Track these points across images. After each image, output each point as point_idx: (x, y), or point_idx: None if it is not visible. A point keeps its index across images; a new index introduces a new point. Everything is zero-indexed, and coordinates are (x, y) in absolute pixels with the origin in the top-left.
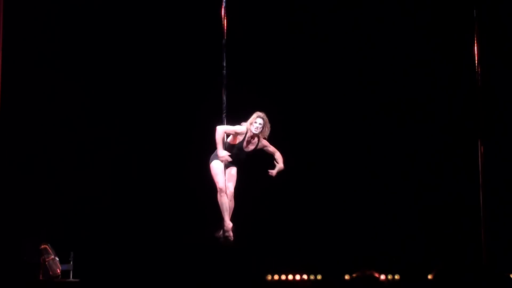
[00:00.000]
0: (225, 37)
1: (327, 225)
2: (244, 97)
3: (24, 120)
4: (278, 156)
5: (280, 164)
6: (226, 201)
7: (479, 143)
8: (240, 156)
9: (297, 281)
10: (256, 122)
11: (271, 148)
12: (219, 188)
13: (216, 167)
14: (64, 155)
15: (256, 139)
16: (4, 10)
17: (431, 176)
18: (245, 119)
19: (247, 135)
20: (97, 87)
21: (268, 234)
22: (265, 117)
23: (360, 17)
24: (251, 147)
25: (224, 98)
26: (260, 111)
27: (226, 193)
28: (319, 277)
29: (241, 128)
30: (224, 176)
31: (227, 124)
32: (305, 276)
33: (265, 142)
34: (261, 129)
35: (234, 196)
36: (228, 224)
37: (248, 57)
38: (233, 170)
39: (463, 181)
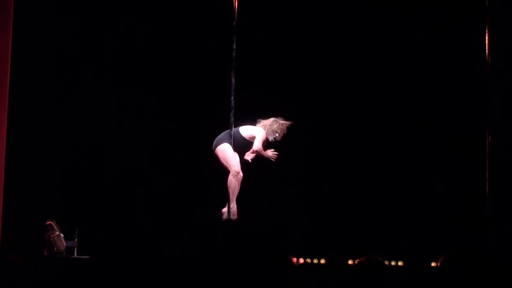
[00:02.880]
0: (236, 19)
1: (332, 210)
2: (253, 81)
3: (34, 102)
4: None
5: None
6: (237, 185)
7: (487, 133)
8: (244, 149)
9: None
10: (276, 132)
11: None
12: (236, 171)
13: (227, 150)
14: (72, 131)
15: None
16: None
17: (437, 164)
18: (253, 102)
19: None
20: (110, 65)
21: (272, 218)
22: (286, 127)
23: (374, 10)
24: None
25: (233, 80)
26: (270, 103)
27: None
28: (322, 261)
29: (263, 134)
30: (238, 159)
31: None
32: (308, 260)
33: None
34: (278, 138)
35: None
36: (234, 206)
37: (258, 40)
38: (236, 155)
39: (470, 171)
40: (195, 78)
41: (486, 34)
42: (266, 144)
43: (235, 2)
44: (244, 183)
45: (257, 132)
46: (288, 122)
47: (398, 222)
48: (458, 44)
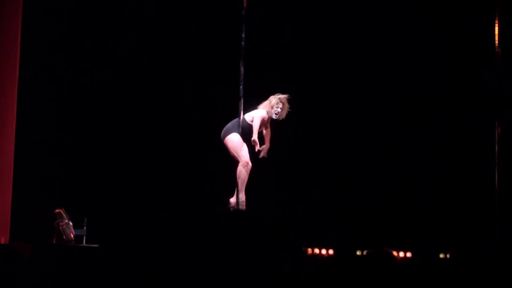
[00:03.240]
0: (245, 8)
1: (340, 200)
2: (262, 70)
3: (43, 94)
4: (267, 134)
5: (267, 144)
6: (246, 175)
7: (496, 124)
8: (249, 135)
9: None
10: (278, 107)
11: (269, 128)
12: (245, 161)
13: (237, 140)
14: (81, 120)
15: (270, 120)
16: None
17: (446, 155)
18: (262, 92)
19: (265, 119)
20: (117, 57)
21: (280, 209)
22: (285, 100)
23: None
24: (263, 128)
25: (242, 69)
26: (279, 91)
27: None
28: (331, 252)
29: (264, 114)
30: (247, 149)
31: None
32: (316, 251)
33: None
34: (280, 113)
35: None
36: (243, 196)
37: (267, 30)
38: (245, 145)
39: (479, 161)
40: (204, 67)
41: (496, 25)
42: (274, 124)
43: None
44: (252, 173)
45: (255, 115)
46: (285, 95)
47: (407, 213)
48: (468, 36)
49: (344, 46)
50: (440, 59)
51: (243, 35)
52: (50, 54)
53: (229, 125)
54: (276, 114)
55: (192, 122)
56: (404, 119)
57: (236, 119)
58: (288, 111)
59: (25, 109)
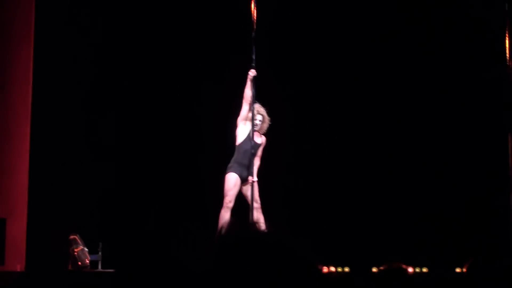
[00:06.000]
0: (255, 30)
1: (355, 217)
2: (272, 88)
3: (56, 116)
4: (256, 163)
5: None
6: (227, 218)
7: (509, 135)
8: (255, 150)
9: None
10: (256, 119)
11: (260, 152)
12: (226, 203)
13: (232, 181)
14: (92, 145)
15: (262, 149)
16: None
17: (459, 169)
18: (272, 109)
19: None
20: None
21: (294, 227)
22: (264, 113)
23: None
24: (257, 138)
25: (254, 90)
26: (262, 105)
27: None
28: (346, 269)
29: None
30: (236, 193)
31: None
32: (332, 269)
33: (263, 140)
34: (260, 125)
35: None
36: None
37: (277, 50)
38: (236, 189)
39: (493, 175)
40: (213, 69)
41: (507, 37)
42: (267, 134)
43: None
44: (261, 191)
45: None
46: (263, 108)
47: (422, 228)
48: (479, 48)
49: (350, 52)
50: (452, 71)
51: (254, 57)
52: (63, 73)
53: (232, 162)
54: (255, 125)
55: (202, 141)
56: (420, 135)
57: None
58: (269, 125)
59: (39, 135)
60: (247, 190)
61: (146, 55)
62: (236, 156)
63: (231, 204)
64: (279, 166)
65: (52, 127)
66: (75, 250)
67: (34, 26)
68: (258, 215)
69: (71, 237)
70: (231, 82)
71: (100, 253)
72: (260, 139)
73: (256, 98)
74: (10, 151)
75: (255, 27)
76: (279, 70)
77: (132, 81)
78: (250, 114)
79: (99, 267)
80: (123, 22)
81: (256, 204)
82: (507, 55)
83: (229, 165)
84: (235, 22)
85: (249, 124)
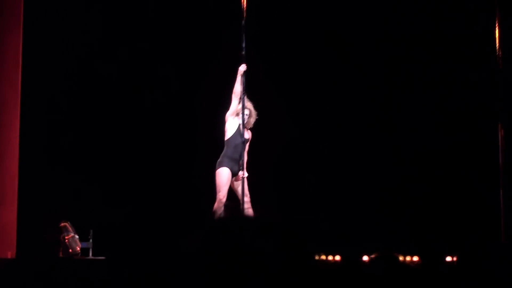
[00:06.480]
0: (245, 18)
1: (345, 206)
2: (263, 78)
3: (46, 107)
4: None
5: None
6: (219, 210)
7: (499, 126)
8: (245, 144)
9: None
10: (244, 114)
11: (247, 147)
12: (219, 199)
13: (224, 176)
14: (82, 132)
15: (248, 147)
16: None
17: (449, 159)
18: (263, 101)
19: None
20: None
21: (285, 215)
22: (251, 107)
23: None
24: (245, 133)
25: (244, 85)
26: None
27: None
28: (337, 258)
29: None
30: (228, 187)
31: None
32: (323, 257)
33: (250, 135)
34: (246, 120)
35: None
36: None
37: (267, 39)
38: (228, 184)
39: (482, 164)
40: (202, 62)
41: (496, 28)
42: (254, 128)
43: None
44: (252, 179)
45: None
46: (251, 102)
47: (413, 217)
48: (469, 40)
49: (345, 54)
50: (442, 61)
51: (244, 45)
52: (52, 61)
53: (222, 157)
54: (246, 118)
55: (200, 131)
56: (408, 121)
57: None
58: (256, 119)
59: (28, 122)
60: (238, 185)
61: (133, 47)
62: (226, 151)
63: (224, 199)
64: (269, 155)
65: (41, 115)
66: (66, 237)
67: (23, 16)
68: (248, 210)
69: (62, 224)
70: (220, 75)
71: (91, 240)
72: (247, 134)
73: (245, 91)
74: (0, 139)
75: (245, 15)
76: (269, 60)
77: (121, 73)
78: (240, 108)
79: (90, 254)
80: (112, 14)
81: (246, 198)
82: (497, 46)
83: (220, 160)
84: (225, 11)
85: (238, 118)
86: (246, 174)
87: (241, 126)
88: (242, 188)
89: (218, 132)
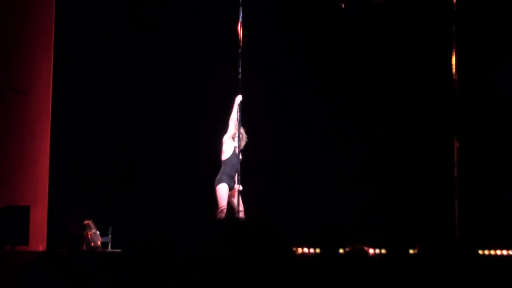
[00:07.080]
0: (241, 46)
1: (328, 202)
2: (258, 100)
3: (72, 117)
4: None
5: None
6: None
7: (455, 139)
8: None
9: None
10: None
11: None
12: (220, 210)
13: (224, 192)
14: (104, 146)
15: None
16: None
17: (415, 163)
18: (259, 122)
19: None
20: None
21: (267, 208)
22: (243, 131)
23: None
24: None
25: (240, 113)
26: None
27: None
28: (317, 250)
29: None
30: (227, 200)
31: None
32: (305, 250)
33: (240, 155)
34: (240, 143)
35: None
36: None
37: (262, 63)
38: (235, 194)
39: (440, 160)
40: (201, 97)
41: (453, 55)
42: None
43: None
44: (246, 190)
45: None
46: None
47: (384, 212)
48: (428, 63)
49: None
50: (407, 87)
51: (240, 69)
52: (78, 75)
53: (220, 176)
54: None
55: (207, 140)
56: (374, 138)
57: (226, 169)
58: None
59: (58, 133)
60: (232, 196)
61: (134, 72)
62: (224, 169)
63: (225, 210)
64: (261, 168)
65: (68, 128)
66: (89, 233)
67: (54, 39)
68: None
69: (85, 222)
70: (218, 100)
71: (110, 235)
72: (239, 154)
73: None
74: (33, 147)
75: (241, 44)
76: (264, 81)
77: (134, 86)
78: (236, 132)
79: (109, 247)
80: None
81: (241, 208)
82: (453, 70)
83: (218, 177)
84: (222, 40)
85: (234, 141)
86: (241, 188)
87: (236, 149)
88: (238, 200)
89: (215, 151)
